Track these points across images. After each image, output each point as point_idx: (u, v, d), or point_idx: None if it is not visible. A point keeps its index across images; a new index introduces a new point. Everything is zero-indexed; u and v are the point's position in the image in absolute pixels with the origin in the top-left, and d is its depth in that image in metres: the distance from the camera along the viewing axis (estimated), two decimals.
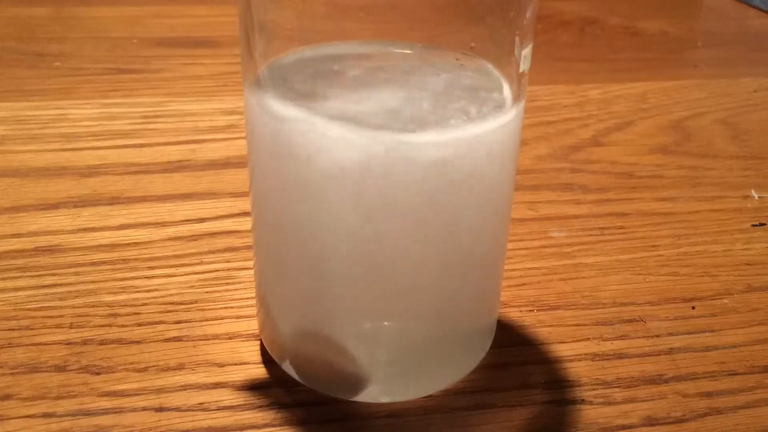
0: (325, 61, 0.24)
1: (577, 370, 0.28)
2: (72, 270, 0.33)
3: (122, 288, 0.32)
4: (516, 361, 0.29)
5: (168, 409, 0.26)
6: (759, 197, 0.41)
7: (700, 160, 0.45)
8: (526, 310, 0.31)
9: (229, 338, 0.29)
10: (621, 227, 0.38)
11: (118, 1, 0.67)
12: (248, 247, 0.34)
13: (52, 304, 0.31)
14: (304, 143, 0.22)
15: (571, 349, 0.29)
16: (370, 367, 0.25)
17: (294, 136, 0.22)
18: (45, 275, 0.32)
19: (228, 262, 0.34)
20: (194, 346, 0.29)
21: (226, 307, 0.31)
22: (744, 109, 0.52)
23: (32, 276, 0.32)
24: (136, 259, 0.33)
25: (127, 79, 0.52)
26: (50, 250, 0.34)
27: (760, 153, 0.46)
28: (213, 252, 0.34)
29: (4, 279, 0.32)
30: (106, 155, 0.42)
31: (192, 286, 0.32)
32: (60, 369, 0.27)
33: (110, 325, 0.30)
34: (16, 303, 0.31)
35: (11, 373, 0.27)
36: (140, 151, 0.43)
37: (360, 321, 0.25)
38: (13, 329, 0.29)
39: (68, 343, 0.29)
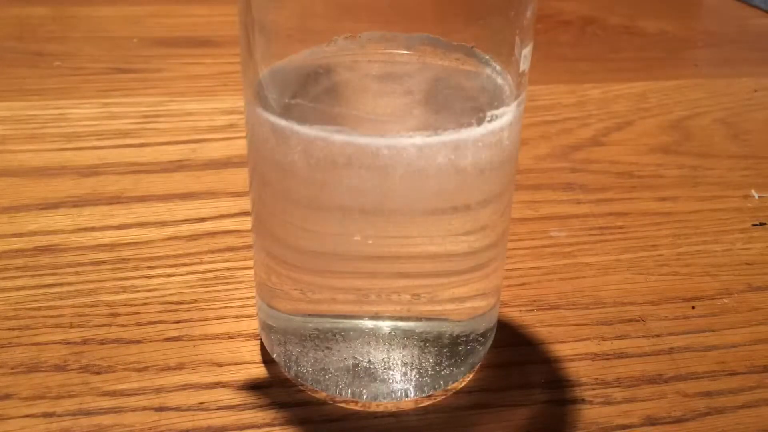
0: (323, 65, 0.24)
1: (577, 369, 0.28)
2: (72, 270, 0.33)
3: (122, 288, 0.32)
4: (516, 361, 0.29)
5: (168, 409, 0.26)
6: (759, 197, 0.41)
7: (700, 160, 0.45)
8: (527, 310, 0.31)
9: (229, 338, 0.29)
10: (621, 227, 0.38)
11: (118, 0, 0.67)
12: (248, 247, 0.34)
13: (52, 303, 0.31)
14: (303, 148, 0.22)
15: (571, 348, 0.29)
16: (371, 367, 0.25)
17: (294, 140, 0.22)
18: (45, 275, 0.32)
19: (228, 261, 0.34)
20: (194, 346, 0.29)
21: (226, 307, 0.31)
22: (744, 109, 0.52)
23: (32, 275, 0.32)
24: (136, 259, 0.33)
25: (127, 79, 0.52)
26: (50, 249, 0.34)
27: (760, 153, 0.46)
28: (213, 252, 0.34)
29: (4, 279, 0.32)
30: (106, 155, 0.42)
31: (192, 286, 0.32)
32: (60, 368, 0.27)
33: (110, 325, 0.30)
34: (16, 303, 0.31)
35: (11, 373, 0.27)
36: (140, 151, 0.43)
37: (360, 320, 0.25)
38: (13, 329, 0.29)
39: (68, 343, 0.29)
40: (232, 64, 0.55)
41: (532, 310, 0.31)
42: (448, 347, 0.26)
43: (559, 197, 0.40)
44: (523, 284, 0.33)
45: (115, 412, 0.26)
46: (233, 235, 0.35)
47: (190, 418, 0.26)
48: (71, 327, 0.29)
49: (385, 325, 0.25)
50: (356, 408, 0.26)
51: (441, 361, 0.26)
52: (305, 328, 0.26)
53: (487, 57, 0.24)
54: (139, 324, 0.30)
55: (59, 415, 0.26)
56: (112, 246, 0.34)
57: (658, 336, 0.30)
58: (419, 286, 0.24)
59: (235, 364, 0.28)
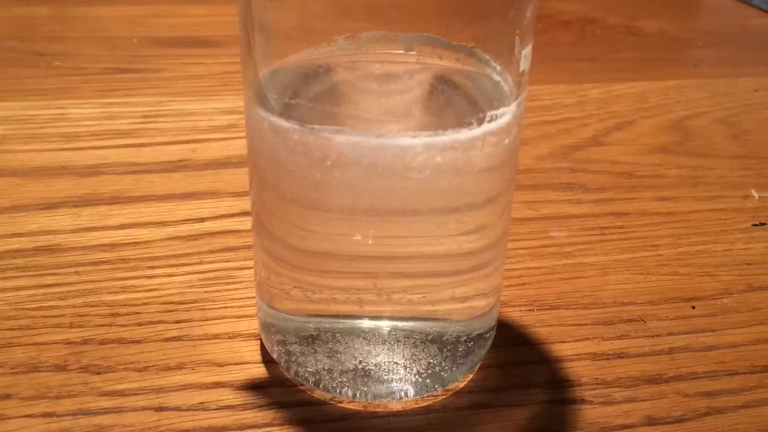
0: (323, 65, 0.24)
1: (577, 369, 0.28)
2: (72, 269, 0.33)
3: (122, 288, 0.32)
4: (516, 361, 0.29)
5: (168, 409, 0.26)
6: (759, 197, 0.41)
7: (700, 160, 0.45)
8: (527, 310, 0.31)
9: (229, 338, 0.29)
10: (621, 227, 0.38)
11: (118, 0, 0.67)
12: (248, 247, 0.34)
13: (52, 303, 0.31)
14: (303, 148, 0.22)
15: (572, 348, 0.29)
16: (371, 367, 0.25)
17: (294, 140, 0.22)
18: (45, 275, 0.32)
19: (228, 261, 0.34)
20: (194, 346, 0.29)
21: (226, 307, 0.31)
22: (744, 109, 0.52)
23: (32, 275, 0.32)
24: (136, 259, 0.33)
25: (127, 79, 0.52)
26: (50, 249, 0.34)
27: (760, 153, 0.46)
28: (213, 252, 0.34)
29: (4, 279, 0.32)
30: (106, 155, 0.42)
31: (192, 286, 0.32)
32: (60, 368, 0.27)
33: (110, 325, 0.30)
34: (16, 302, 0.31)
35: (11, 373, 0.27)
36: (140, 151, 0.43)
37: (360, 320, 0.25)
38: (13, 329, 0.29)
39: (68, 343, 0.29)
40: (232, 64, 0.55)
41: (532, 310, 0.31)
42: (448, 347, 0.26)
43: (559, 197, 0.40)
44: (523, 284, 0.33)
45: (115, 412, 0.26)
46: (233, 235, 0.35)
47: (190, 418, 0.26)
48: (71, 327, 0.29)
49: (385, 325, 0.25)
50: (356, 408, 0.26)
51: (441, 361, 0.26)
52: (305, 328, 0.26)
53: (487, 57, 0.24)
54: (139, 324, 0.30)
55: (59, 415, 0.26)
56: (112, 246, 0.34)
57: (658, 336, 0.30)
58: (419, 286, 0.24)
59: (235, 364, 0.28)
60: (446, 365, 0.26)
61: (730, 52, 0.64)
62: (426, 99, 0.24)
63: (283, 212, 0.24)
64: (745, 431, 0.26)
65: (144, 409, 0.26)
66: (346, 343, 0.25)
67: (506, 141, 0.24)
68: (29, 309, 0.30)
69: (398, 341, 0.25)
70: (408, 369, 0.25)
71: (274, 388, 0.27)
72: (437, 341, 0.26)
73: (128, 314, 0.30)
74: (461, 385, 0.27)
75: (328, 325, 0.25)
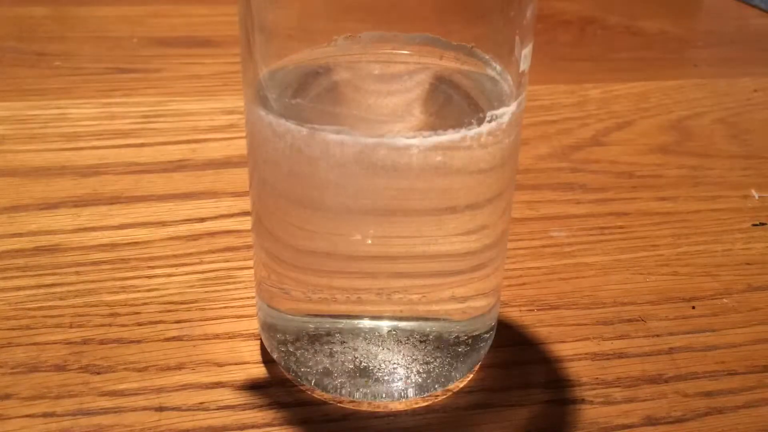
0: (323, 65, 0.24)
1: (577, 369, 0.28)
2: (72, 269, 0.33)
3: (122, 287, 0.32)
4: (516, 361, 0.29)
5: (168, 409, 0.26)
6: (759, 197, 0.41)
7: (700, 160, 0.45)
8: (527, 310, 0.31)
9: (229, 338, 0.29)
10: (621, 227, 0.38)
11: (118, 0, 0.67)
12: (248, 247, 0.34)
13: (52, 303, 0.31)
14: (303, 148, 0.22)
15: (572, 348, 0.29)
16: (371, 367, 0.25)
17: (294, 140, 0.22)
18: (45, 275, 0.32)
19: (228, 261, 0.34)
20: (194, 346, 0.29)
21: (226, 307, 0.31)
22: (744, 109, 0.52)
23: (32, 275, 0.32)
24: (136, 259, 0.33)
25: (127, 79, 0.52)
26: (50, 249, 0.34)
27: (760, 152, 0.46)
28: (213, 252, 0.34)
29: (4, 279, 0.32)
30: (106, 155, 0.42)
31: (192, 286, 0.32)
32: (60, 368, 0.27)
33: (110, 325, 0.30)
34: (16, 302, 0.31)
35: (11, 373, 0.27)
36: (140, 151, 0.43)
37: (360, 320, 0.25)
38: (13, 329, 0.29)
39: (68, 343, 0.29)
40: (232, 64, 0.55)
41: (532, 310, 0.31)
42: (448, 347, 0.26)
43: (559, 197, 0.40)
44: (523, 284, 0.33)
45: (115, 412, 0.26)
46: (233, 235, 0.35)
47: (190, 418, 0.26)
48: (71, 327, 0.29)
49: (385, 325, 0.25)
50: (356, 408, 0.26)
51: (441, 361, 0.26)
52: (305, 328, 0.26)
53: (487, 57, 0.24)
54: (139, 324, 0.30)
55: (59, 415, 0.26)
56: (112, 246, 0.34)
57: (658, 336, 0.30)
58: (419, 286, 0.25)
59: (235, 364, 0.28)
60: (446, 365, 0.26)
61: (730, 52, 0.64)
62: (426, 99, 0.24)
63: (283, 212, 0.24)
64: (745, 431, 0.26)
65: (144, 409, 0.26)
66: (346, 343, 0.25)
67: (506, 141, 0.24)
68: (29, 309, 0.30)
69: (398, 341, 0.25)
70: (408, 369, 0.25)
71: (274, 388, 0.27)
72: (437, 341, 0.26)
73: (128, 314, 0.30)
74: (461, 385, 0.27)
75: (328, 325, 0.25)
